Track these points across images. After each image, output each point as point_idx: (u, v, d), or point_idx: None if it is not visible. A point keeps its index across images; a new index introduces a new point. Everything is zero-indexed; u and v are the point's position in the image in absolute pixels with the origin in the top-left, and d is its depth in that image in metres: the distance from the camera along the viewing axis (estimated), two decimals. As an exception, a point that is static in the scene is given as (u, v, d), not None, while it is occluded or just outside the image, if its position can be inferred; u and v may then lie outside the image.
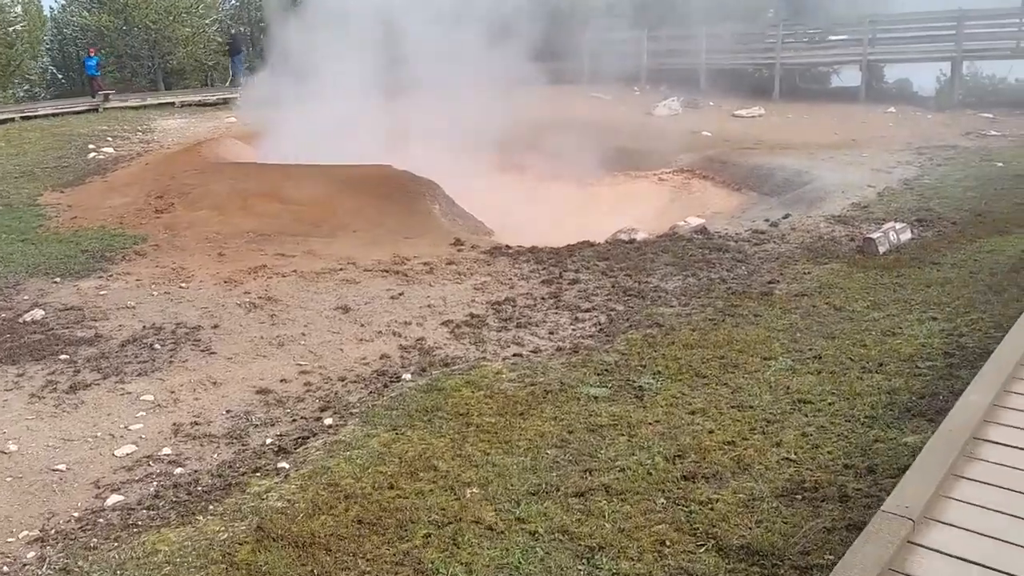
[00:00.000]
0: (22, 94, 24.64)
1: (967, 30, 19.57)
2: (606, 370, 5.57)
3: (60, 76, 24.37)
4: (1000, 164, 12.42)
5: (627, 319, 6.68)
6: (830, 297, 7.01)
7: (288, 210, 9.85)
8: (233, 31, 26.08)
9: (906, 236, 8.65)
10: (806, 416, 4.64)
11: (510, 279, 7.84)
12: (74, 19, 25.30)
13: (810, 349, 5.83)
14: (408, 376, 5.55)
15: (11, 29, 24.15)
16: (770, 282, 7.50)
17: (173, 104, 21.32)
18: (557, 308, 7.02)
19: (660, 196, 14.19)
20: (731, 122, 19.33)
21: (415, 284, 7.64)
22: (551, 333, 6.42)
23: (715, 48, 24.67)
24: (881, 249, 8.32)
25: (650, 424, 4.69)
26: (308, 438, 4.63)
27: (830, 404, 4.76)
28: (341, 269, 8.03)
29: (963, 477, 3.22)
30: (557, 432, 4.59)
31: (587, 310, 6.95)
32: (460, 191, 12.84)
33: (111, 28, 25.38)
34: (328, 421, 4.85)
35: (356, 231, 9.40)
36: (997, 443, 3.44)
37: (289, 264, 8.17)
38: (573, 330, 6.49)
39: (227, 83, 24.68)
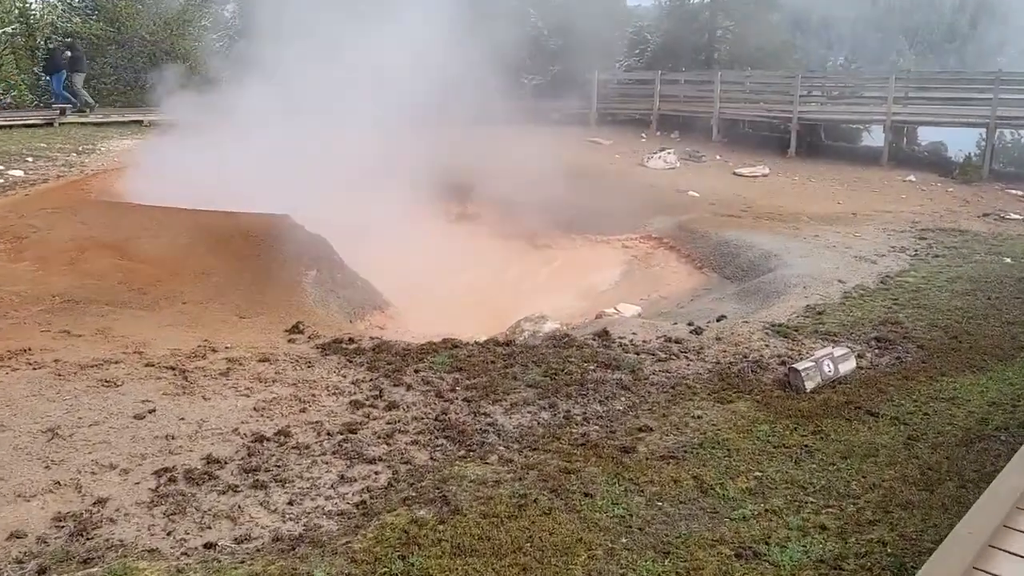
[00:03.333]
0: (9, 100, 23.73)
1: (1003, 95, 17.51)
2: (302, 594, 3.81)
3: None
4: (1008, 260, 10.40)
5: (412, 483, 4.90)
6: (706, 465, 5.16)
7: (123, 268, 8.29)
8: (52, 44, 22.12)
9: (848, 367, 6.73)
10: None
11: (315, 394, 6.11)
12: (64, 24, 24.43)
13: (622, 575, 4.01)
14: (10, 580, 3.87)
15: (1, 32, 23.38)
16: (641, 429, 5.67)
17: (140, 123, 20.12)
18: (336, 452, 5.26)
19: (614, 268, 12.38)
20: (728, 181, 17.43)
21: (187, 394, 5.95)
22: (290, 503, 4.66)
23: (731, 97, 22.91)
24: (809, 385, 6.41)
25: None
26: None
27: None
28: (116, 362, 6.39)
29: None
30: None
31: (372, 460, 5.18)
32: (387, 246, 11.22)
33: (102, 38, 24.50)
34: None
35: (186, 303, 7.78)
36: None
37: (61, 349, 6.56)
38: (326, 499, 4.72)
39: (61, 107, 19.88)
